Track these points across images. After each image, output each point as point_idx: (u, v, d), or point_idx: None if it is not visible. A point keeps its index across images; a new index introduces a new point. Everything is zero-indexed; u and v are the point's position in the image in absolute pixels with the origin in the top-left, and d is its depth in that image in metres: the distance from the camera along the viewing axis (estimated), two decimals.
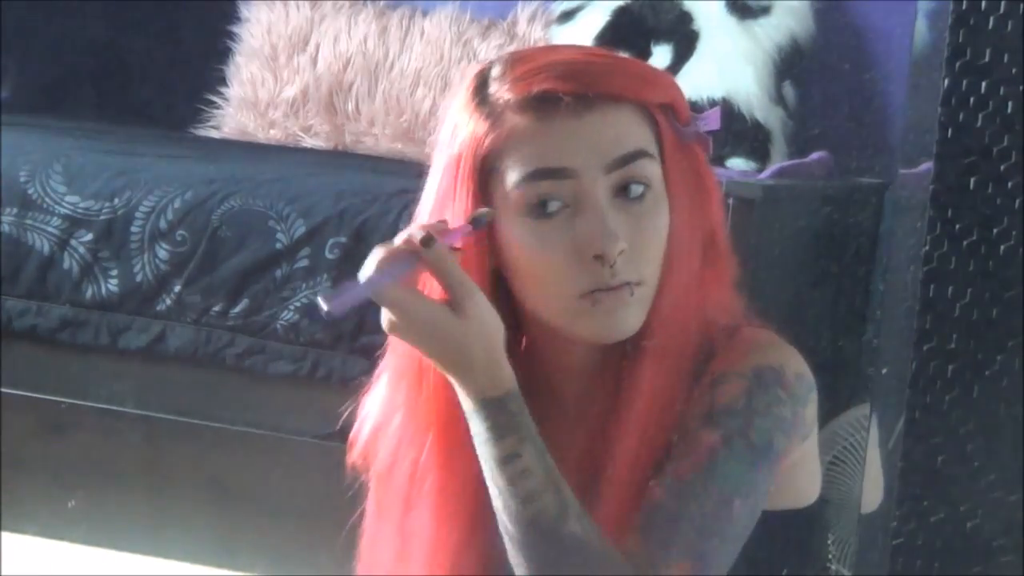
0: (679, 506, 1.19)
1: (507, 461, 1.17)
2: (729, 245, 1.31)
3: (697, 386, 1.25)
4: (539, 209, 1.21)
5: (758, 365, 1.24)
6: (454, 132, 1.25)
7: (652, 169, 1.23)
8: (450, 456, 1.25)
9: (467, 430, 1.20)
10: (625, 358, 1.25)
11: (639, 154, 1.22)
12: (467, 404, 1.19)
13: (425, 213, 1.27)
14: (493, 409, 1.17)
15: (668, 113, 1.26)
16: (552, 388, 1.30)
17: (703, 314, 1.27)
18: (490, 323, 1.17)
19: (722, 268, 1.29)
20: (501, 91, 1.23)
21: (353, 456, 1.32)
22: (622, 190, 1.22)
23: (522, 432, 1.17)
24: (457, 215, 1.23)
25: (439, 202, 1.25)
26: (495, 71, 1.25)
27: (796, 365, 1.25)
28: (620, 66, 1.26)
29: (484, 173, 1.24)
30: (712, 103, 1.26)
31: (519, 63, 1.24)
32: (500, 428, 1.17)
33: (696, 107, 2.01)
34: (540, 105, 1.21)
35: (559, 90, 1.21)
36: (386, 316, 1.17)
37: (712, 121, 1.28)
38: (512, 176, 1.22)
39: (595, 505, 1.22)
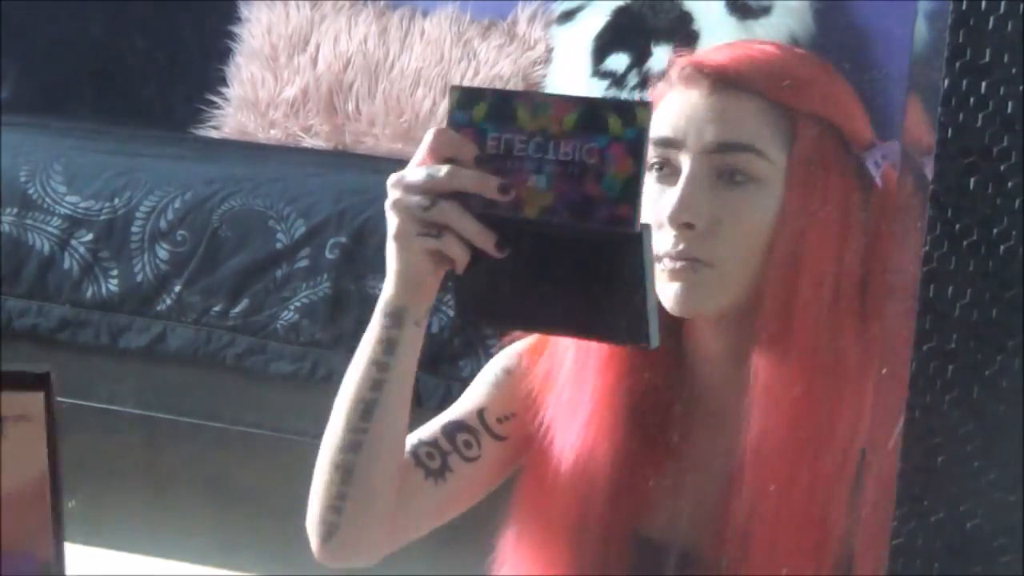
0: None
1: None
2: (909, 289, 1.29)
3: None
4: (653, 173, 1.25)
5: None
6: None
7: (759, 167, 1.23)
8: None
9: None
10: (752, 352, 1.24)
11: (743, 147, 1.23)
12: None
13: None
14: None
15: (824, 127, 1.26)
16: (696, 381, 1.30)
17: (852, 343, 1.24)
18: None
19: (888, 303, 1.27)
20: (676, 61, 1.29)
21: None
22: (726, 174, 1.24)
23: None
24: None
25: None
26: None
27: None
28: (779, 64, 1.29)
29: None
30: None
31: (713, 48, 1.32)
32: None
33: None
34: (688, 78, 1.26)
35: (708, 69, 1.25)
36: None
37: (892, 153, 1.28)
38: (652, 137, 1.26)
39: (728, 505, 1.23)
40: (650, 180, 1.25)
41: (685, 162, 1.24)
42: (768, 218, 1.24)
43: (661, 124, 1.25)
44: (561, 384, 1.30)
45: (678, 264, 1.22)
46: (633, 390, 1.28)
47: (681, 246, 1.22)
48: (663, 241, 1.23)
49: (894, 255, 1.23)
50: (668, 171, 1.25)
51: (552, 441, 1.28)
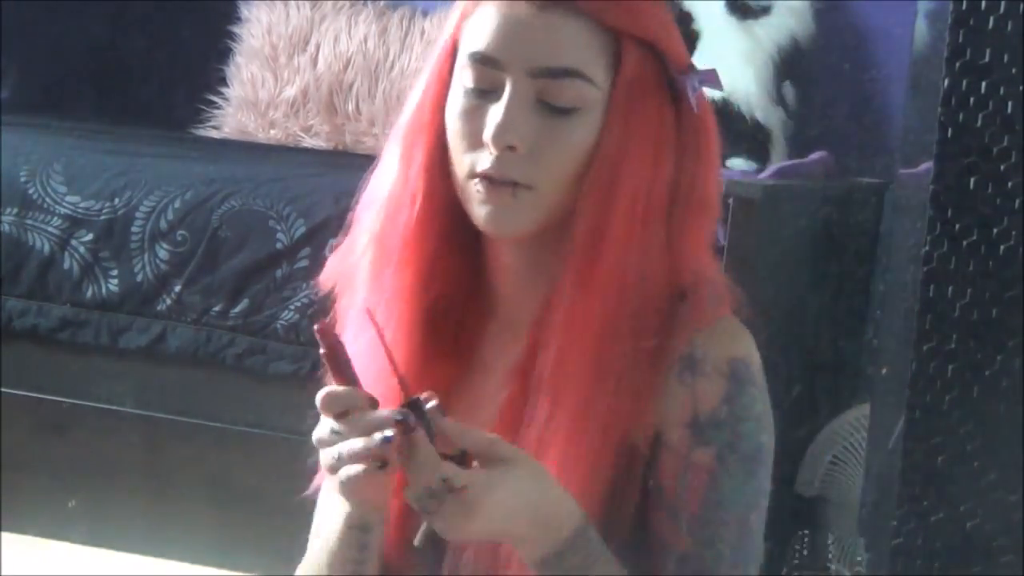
0: (705, 548, 1.20)
1: None
2: (713, 206, 1.29)
3: (667, 365, 1.23)
4: (471, 90, 1.23)
5: (732, 358, 1.23)
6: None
7: (584, 92, 1.21)
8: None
9: None
10: (556, 273, 1.24)
11: (568, 72, 1.21)
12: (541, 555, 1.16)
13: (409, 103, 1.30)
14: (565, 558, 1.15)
15: (646, 51, 1.23)
16: (492, 292, 1.29)
17: (657, 262, 1.24)
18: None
19: (692, 224, 1.27)
20: None
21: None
22: (548, 98, 1.21)
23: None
24: (428, 95, 1.27)
25: (423, 86, 1.28)
26: None
27: (754, 352, 1.25)
28: None
29: (455, 53, 1.27)
30: (712, 103, 1.26)
31: None
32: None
33: None
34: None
35: None
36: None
37: (711, 80, 1.27)
38: (462, 53, 1.24)
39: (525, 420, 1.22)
40: (464, 96, 1.23)
41: (506, 83, 1.21)
42: (588, 142, 1.22)
43: (479, 39, 1.22)
44: (357, 286, 1.29)
45: (495, 185, 1.21)
46: (428, 298, 1.27)
47: (501, 168, 1.21)
48: (480, 160, 1.21)
49: (697, 176, 1.26)
50: (487, 88, 1.22)
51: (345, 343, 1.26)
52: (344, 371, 1.16)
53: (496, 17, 1.23)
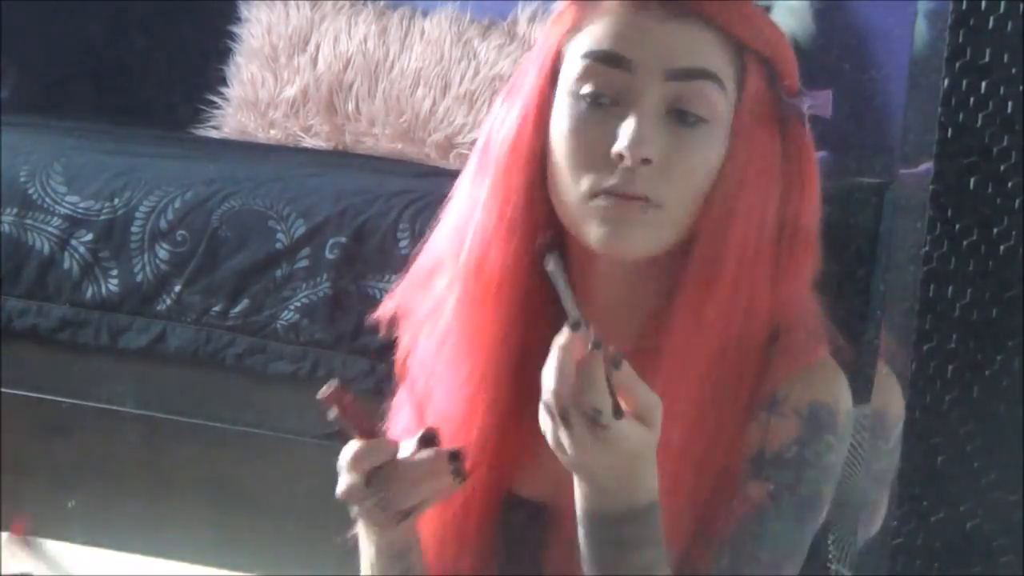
0: None
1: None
2: (815, 242, 1.22)
3: (755, 407, 1.17)
4: (587, 96, 1.15)
5: (815, 402, 1.17)
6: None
7: (717, 98, 1.15)
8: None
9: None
10: (657, 297, 1.18)
11: (706, 74, 1.14)
12: (605, 511, 1.10)
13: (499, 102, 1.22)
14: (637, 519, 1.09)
15: (766, 69, 1.18)
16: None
17: (763, 299, 1.18)
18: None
19: (797, 261, 1.20)
20: None
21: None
22: (677, 111, 1.15)
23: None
24: (525, 114, 1.18)
25: (517, 105, 1.19)
26: None
27: (846, 401, 1.19)
28: (737, 2, 1.17)
29: (561, 54, 1.18)
30: None
31: None
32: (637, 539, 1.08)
33: None
34: (642, 4, 1.15)
35: None
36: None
37: (822, 105, 1.20)
38: (574, 58, 1.16)
39: None
40: (578, 108, 1.15)
41: (635, 88, 1.14)
42: (716, 159, 1.16)
43: (603, 39, 1.15)
44: (443, 335, 1.23)
45: (622, 202, 1.14)
46: (521, 332, 1.21)
47: (631, 183, 1.13)
48: (605, 176, 1.14)
49: (802, 209, 1.21)
50: (610, 95, 1.15)
51: (429, 390, 1.22)
52: (363, 425, 1.14)
53: (621, 20, 1.16)
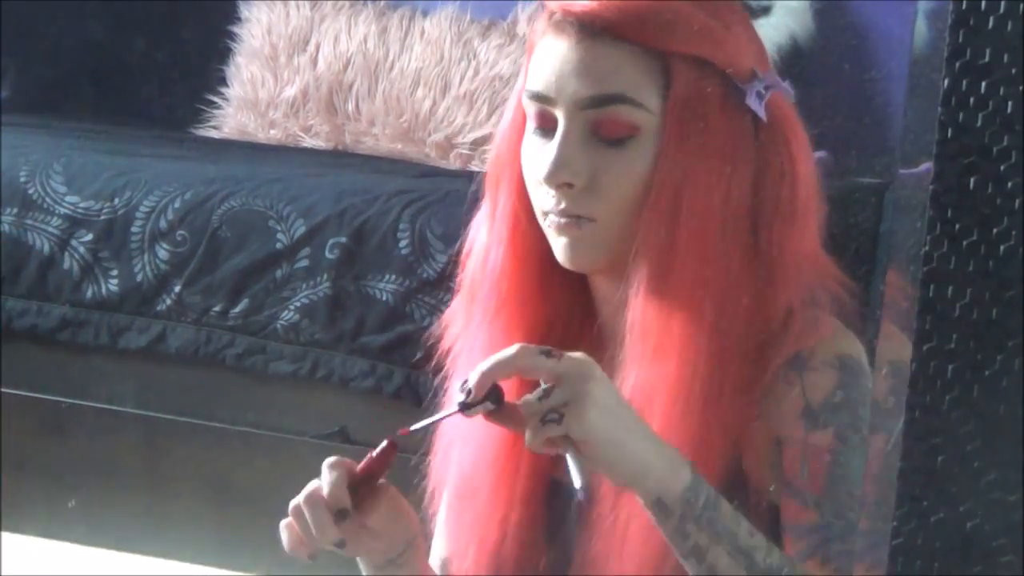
0: (836, 519, 1.18)
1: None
2: (811, 212, 1.26)
3: (770, 372, 1.22)
4: (535, 129, 1.24)
5: (842, 354, 1.22)
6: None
7: (633, 117, 1.20)
8: None
9: None
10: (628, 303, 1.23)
11: (616, 98, 1.20)
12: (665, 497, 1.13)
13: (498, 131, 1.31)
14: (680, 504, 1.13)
15: (696, 67, 1.21)
16: (598, 328, 1.29)
17: (744, 276, 1.22)
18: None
19: (786, 235, 1.24)
20: (547, 5, 1.25)
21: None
22: (601, 129, 1.21)
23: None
24: (507, 136, 1.28)
25: (503, 127, 1.30)
26: None
27: (864, 357, 1.23)
28: (647, 6, 1.21)
29: None
30: None
31: None
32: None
33: None
34: (557, 26, 1.23)
35: (573, 16, 1.21)
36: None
37: (774, 82, 1.24)
38: (526, 90, 1.25)
39: None
40: (532, 136, 1.24)
41: (560, 118, 1.22)
42: (647, 168, 1.21)
43: (535, 77, 1.23)
44: (461, 333, 1.30)
45: (562, 220, 1.22)
46: (533, 341, 1.23)
47: (563, 204, 1.21)
48: (545, 198, 1.22)
49: (783, 186, 1.24)
50: (547, 127, 1.23)
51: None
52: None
53: (545, 51, 1.23)
